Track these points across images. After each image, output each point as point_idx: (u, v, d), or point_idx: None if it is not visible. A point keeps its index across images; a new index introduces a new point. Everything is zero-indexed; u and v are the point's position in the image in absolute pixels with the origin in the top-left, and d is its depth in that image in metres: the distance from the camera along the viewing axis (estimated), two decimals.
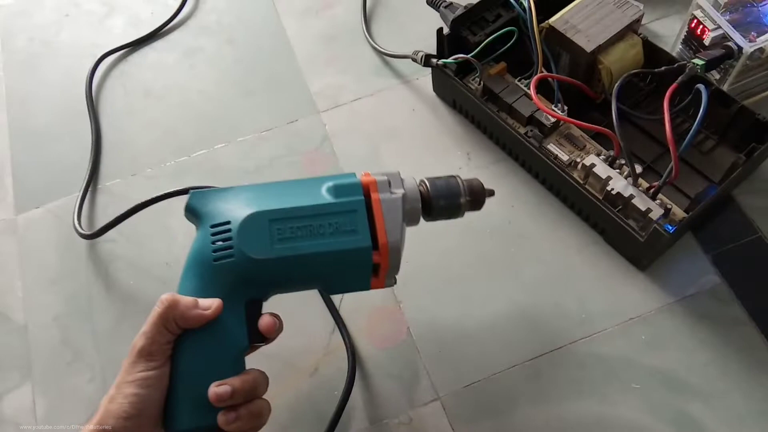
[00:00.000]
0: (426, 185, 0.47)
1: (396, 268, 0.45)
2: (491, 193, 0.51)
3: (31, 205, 0.68)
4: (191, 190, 0.45)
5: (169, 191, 0.61)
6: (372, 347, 0.57)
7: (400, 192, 0.45)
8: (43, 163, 0.71)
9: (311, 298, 0.59)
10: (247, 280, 0.42)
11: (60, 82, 0.76)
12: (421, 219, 0.47)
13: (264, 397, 0.42)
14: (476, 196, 0.49)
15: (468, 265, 0.61)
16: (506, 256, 0.61)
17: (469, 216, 0.63)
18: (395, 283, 0.47)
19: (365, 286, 0.46)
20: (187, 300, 0.40)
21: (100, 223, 0.64)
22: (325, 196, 0.44)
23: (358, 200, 0.43)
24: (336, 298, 0.60)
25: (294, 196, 0.44)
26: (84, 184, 0.67)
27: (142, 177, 0.68)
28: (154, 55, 0.78)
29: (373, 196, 0.44)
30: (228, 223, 0.42)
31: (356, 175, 0.45)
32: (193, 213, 0.44)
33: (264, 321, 0.43)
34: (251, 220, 0.42)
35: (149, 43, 0.78)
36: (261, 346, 0.44)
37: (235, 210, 0.42)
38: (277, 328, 0.44)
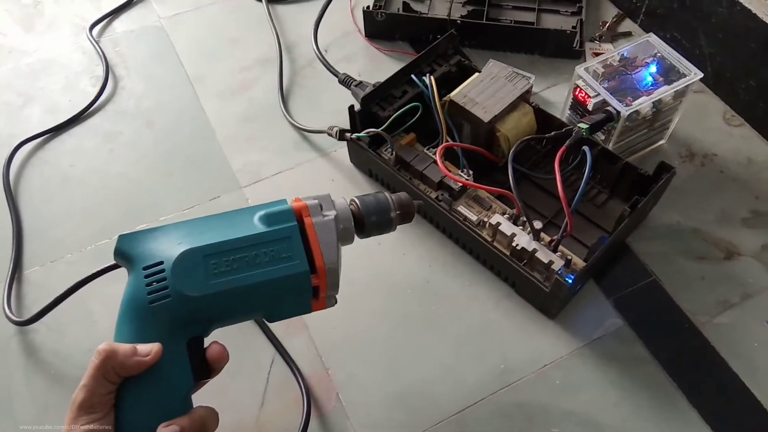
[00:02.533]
0: (356, 203, 0.48)
1: (335, 288, 0.45)
2: (420, 205, 0.52)
3: None
4: (120, 235, 0.43)
5: (96, 270, 0.60)
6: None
7: (332, 214, 0.45)
8: None
9: (240, 366, 0.60)
10: (187, 319, 0.41)
11: None
12: (355, 237, 0.48)
13: None
14: (405, 209, 0.50)
15: (392, 327, 0.63)
16: (428, 314, 0.64)
17: (392, 277, 0.66)
18: (335, 302, 0.47)
19: (306, 310, 0.46)
20: (125, 348, 0.39)
21: (24, 312, 0.63)
22: (257, 225, 0.43)
23: (291, 226, 0.43)
24: (265, 367, 0.60)
25: (227, 229, 0.43)
26: (9, 274, 0.66)
27: (63, 263, 0.68)
28: (73, 142, 0.79)
29: (306, 220, 0.44)
30: (161, 263, 0.41)
31: (287, 202, 0.45)
32: (123, 257, 0.43)
33: (212, 351, 0.43)
34: (185, 257, 0.41)
35: (67, 130, 0.79)
36: (206, 382, 0.44)
37: (168, 249, 0.41)
38: (225, 356, 0.43)
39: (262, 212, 0.44)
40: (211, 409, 0.42)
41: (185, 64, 0.86)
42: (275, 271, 0.42)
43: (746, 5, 0.71)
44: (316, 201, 0.45)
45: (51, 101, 0.82)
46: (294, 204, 0.45)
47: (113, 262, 0.43)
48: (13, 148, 0.76)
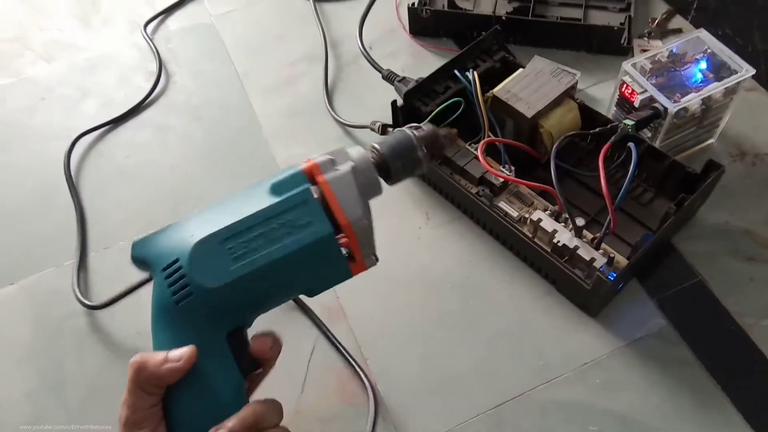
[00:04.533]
0: (377, 151, 0.43)
1: (370, 245, 0.42)
2: (450, 135, 0.48)
3: (5, 282, 0.69)
4: (133, 242, 0.41)
5: None
6: (340, 405, 0.59)
7: (347, 166, 0.41)
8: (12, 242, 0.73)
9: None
10: (217, 312, 0.39)
11: (32, 164, 0.79)
12: (384, 185, 0.43)
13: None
14: (433, 144, 0.45)
15: (430, 320, 0.64)
16: (466, 309, 0.64)
17: (431, 271, 0.67)
18: (377, 260, 0.43)
19: (346, 275, 0.42)
20: (155, 357, 0.37)
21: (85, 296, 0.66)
22: (269, 197, 0.39)
23: (304, 189, 0.39)
24: (305, 358, 0.62)
25: (238, 209, 0.40)
26: (78, 260, 0.69)
27: (116, 251, 0.71)
28: (127, 134, 0.82)
29: (319, 179, 0.40)
30: (177, 260, 0.38)
31: (300, 166, 0.41)
32: (141, 263, 0.41)
33: (255, 343, 0.41)
34: (199, 248, 0.38)
35: (122, 123, 0.83)
36: (263, 375, 0.43)
37: (181, 244, 0.39)
38: (272, 345, 0.41)
39: (272, 181, 0.40)
40: (267, 401, 0.39)
41: (234, 60, 0.89)
42: (297, 241, 0.39)
43: None
44: (328, 156, 0.41)
45: (106, 95, 0.86)
46: (304, 165, 0.40)
47: None
48: (72, 140, 0.79)
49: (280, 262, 0.39)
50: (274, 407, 0.39)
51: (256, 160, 0.78)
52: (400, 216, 0.71)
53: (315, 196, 0.39)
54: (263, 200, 0.39)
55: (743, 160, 0.73)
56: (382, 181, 0.43)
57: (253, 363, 0.41)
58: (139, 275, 0.63)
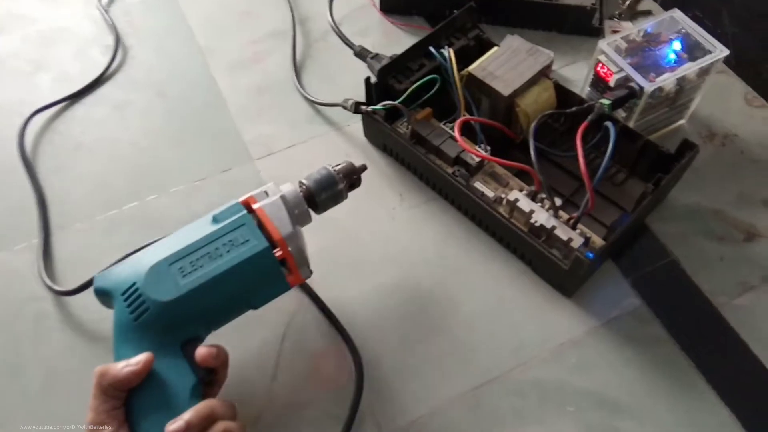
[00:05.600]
0: (304, 185, 0.53)
1: (303, 258, 0.49)
2: (364, 167, 0.57)
3: None
4: (94, 276, 0.48)
5: (145, 244, 0.56)
6: (316, 390, 0.57)
7: (278, 195, 0.50)
8: None
9: (250, 343, 0.59)
10: (171, 325, 0.45)
11: None
12: (312, 214, 0.54)
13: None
14: (352, 178, 0.55)
15: (406, 302, 0.62)
16: (442, 290, 0.63)
17: (406, 252, 0.65)
18: (311, 273, 0.51)
19: (284, 286, 0.49)
20: (116, 364, 0.43)
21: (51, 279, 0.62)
22: (212, 225, 0.48)
23: (242, 215, 0.48)
24: (276, 343, 0.60)
25: (185, 238, 0.47)
26: (42, 240, 0.65)
27: (73, 231, 0.67)
28: (84, 110, 0.77)
29: (254, 206, 0.49)
30: (134, 284, 0.45)
31: (236, 199, 0.50)
32: (103, 294, 0.47)
33: (198, 352, 0.45)
34: (153, 270, 0.45)
35: (79, 99, 0.78)
36: (218, 384, 0.48)
37: (137, 270, 0.46)
38: (216, 355, 0.46)
39: (214, 213, 0.49)
40: (222, 400, 0.44)
41: (197, 36, 0.85)
42: (238, 256, 0.46)
43: None
44: (262, 189, 0.51)
45: (61, 70, 0.81)
46: (241, 199, 0.50)
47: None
48: (26, 118, 0.74)
49: (224, 275, 0.46)
50: (228, 405, 0.44)
51: (222, 139, 0.74)
52: (374, 197, 0.69)
53: (252, 219, 0.48)
54: (207, 228, 0.48)
55: (713, 141, 0.73)
56: (311, 211, 0.53)
57: (207, 371, 0.46)
58: (110, 256, 0.60)
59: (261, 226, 0.48)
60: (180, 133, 0.75)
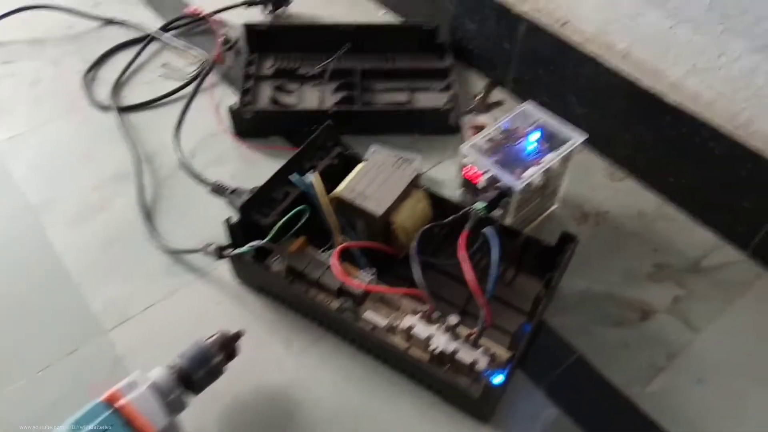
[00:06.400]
0: (176, 366, 0.50)
1: None
2: (239, 334, 0.54)
3: None
4: None
5: None
6: None
7: (147, 383, 0.47)
8: None
9: None
10: None
11: None
12: (190, 396, 0.50)
13: None
14: (228, 348, 0.53)
15: None
16: None
17: (299, 411, 0.57)
18: None
19: None
20: None
21: None
22: None
23: (106, 417, 0.44)
24: None
25: None
26: None
27: None
28: None
29: (120, 402, 0.45)
30: None
31: (98, 398, 0.46)
32: None
33: None
34: None
35: None
36: None
37: None
38: None
39: (71, 420, 0.44)
40: None
41: (26, 192, 0.75)
42: None
43: (610, 63, 0.73)
44: (127, 381, 0.47)
45: None
46: (104, 396, 0.46)
47: None
48: None
49: None
50: None
51: (64, 313, 0.63)
52: (255, 349, 0.60)
53: (118, 419, 0.44)
54: None
55: (587, 222, 0.74)
56: (189, 393, 0.50)
57: None
58: None
59: (130, 422, 0.44)
60: (11, 316, 0.63)
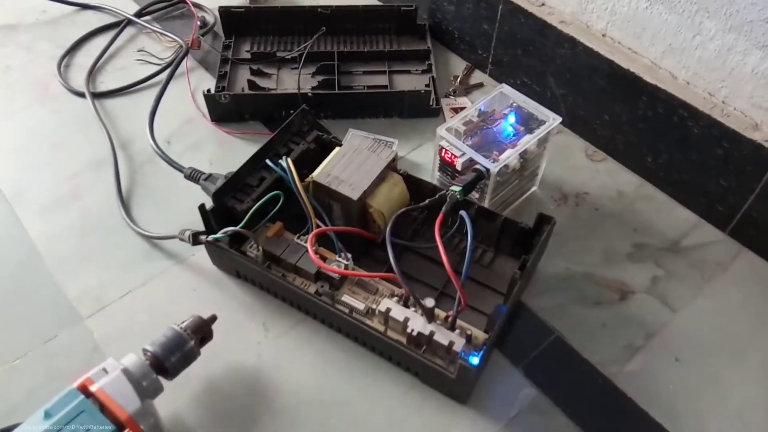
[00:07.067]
0: (149, 352, 0.49)
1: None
2: (213, 318, 0.54)
3: None
4: None
5: None
6: None
7: (119, 369, 0.46)
8: None
9: None
10: None
11: None
12: (166, 381, 0.50)
13: None
14: (202, 332, 0.52)
15: None
16: (327, 429, 0.55)
17: (279, 395, 0.57)
18: None
19: None
20: None
21: None
22: (43, 423, 0.43)
23: (79, 402, 0.44)
24: None
25: None
26: None
27: None
28: None
29: (93, 388, 0.45)
30: None
31: (71, 386, 0.46)
32: None
33: None
34: None
35: None
36: None
37: None
38: None
39: (44, 408, 0.44)
40: None
41: (0, 180, 0.74)
42: None
43: (587, 44, 0.72)
44: (100, 367, 0.47)
45: None
46: (76, 383, 0.46)
47: None
48: None
49: None
50: None
51: (40, 301, 0.63)
52: (233, 333, 0.60)
53: (92, 404, 0.44)
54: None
55: (567, 203, 0.74)
56: (162, 379, 0.49)
57: None
58: None
59: (103, 406, 0.44)
60: None
